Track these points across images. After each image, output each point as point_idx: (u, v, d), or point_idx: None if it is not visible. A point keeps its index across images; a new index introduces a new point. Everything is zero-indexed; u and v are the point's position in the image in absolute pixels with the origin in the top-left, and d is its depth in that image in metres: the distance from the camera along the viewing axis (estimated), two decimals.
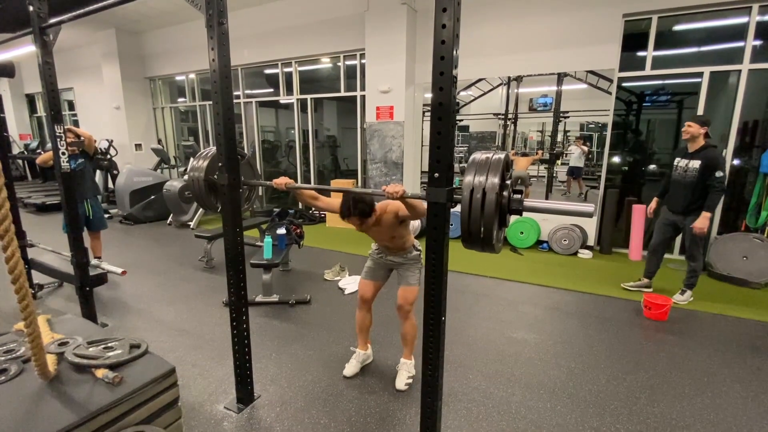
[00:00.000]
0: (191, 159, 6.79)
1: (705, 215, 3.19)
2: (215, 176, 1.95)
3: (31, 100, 11.98)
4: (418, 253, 2.36)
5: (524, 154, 8.90)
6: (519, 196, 1.25)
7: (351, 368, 2.46)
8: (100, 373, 1.57)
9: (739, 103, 4.25)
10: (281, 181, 1.87)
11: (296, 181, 3.62)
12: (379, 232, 2.22)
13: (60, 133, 2.45)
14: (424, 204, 1.73)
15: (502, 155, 1.21)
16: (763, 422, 2.06)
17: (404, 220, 2.16)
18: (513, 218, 5.21)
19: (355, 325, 2.52)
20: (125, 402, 1.52)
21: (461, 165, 9.46)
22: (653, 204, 3.64)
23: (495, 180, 1.16)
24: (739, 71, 4.22)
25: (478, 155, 1.24)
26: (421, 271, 2.30)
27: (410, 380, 2.34)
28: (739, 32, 4.22)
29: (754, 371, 2.51)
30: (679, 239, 4.74)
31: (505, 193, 1.21)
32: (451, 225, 6.38)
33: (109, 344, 1.76)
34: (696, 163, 3.23)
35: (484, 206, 1.16)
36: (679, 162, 3.37)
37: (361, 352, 2.51)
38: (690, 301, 3.52)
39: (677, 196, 3.39)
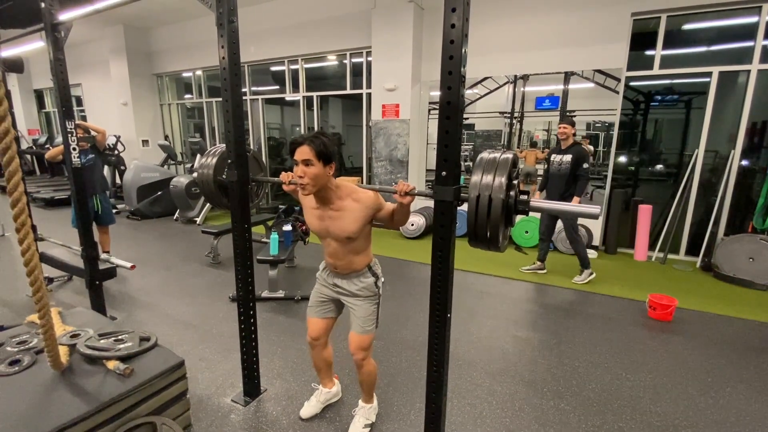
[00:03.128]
0: (198, 156, 6.84)
1: (575, 200, 3.75)
2: (224, 174, 1.97)
3: (39, 95, 12.08)
4: (374, 279, 1.79)
5: (533, 144, 8.97)
6: (525, 196, 1.26)
7: (310, 408, 2.05)
8: (111, 364, 1.60)
9: (747, 103, 4.22)
10: (287, 177, 1.70)
11: None
12: (333, 224, 1.66)
13: (71, 128, 2.49)
14: (408, 214, 1.65)
15: (509, 155, 1.22)
16: (767, 422, 2.06)
17: (376, 220, 1.68)
18: (518, 217, 5.20)
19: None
20: (136, 393, 1.55)
21: (467, 163, 9.44)
22: (536, 196, 4.15)
23: (502, 180, 1.17)
24: (749, 71, 4.19)
25: (486, 154, 1.25)
26: (378, 309, 1.82)
27: (367, 429, 1.93)
28: (748, 32, 4.18)
29: (758, 372, 2.51)
30: (686, 239, 4.74)
31: (512, 193, 1.22)
32: (456, 223, 6.36)
33: (120, 337, 1.80)
34: (568, 157, 3.77)
35: (491, 206, 1.17)
36: (555, 158, 3.90)
37: (324, 390, 2.10)
38: (591, 278, 3.97)
39: (555, 186, 3.90)
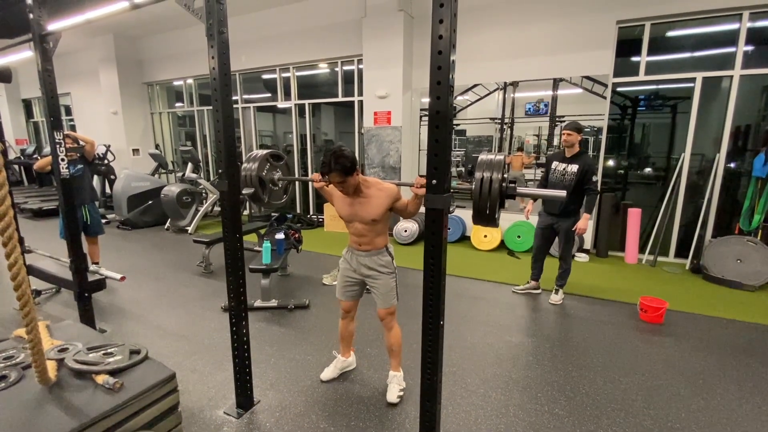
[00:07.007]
0: (189, 164, 6.79)
1: (586, 216, 3.32)
2: (264, 172, 2.38)
3: (27, 105, 11.94)
4: (390, 258, 2.18)
5: (519, 149, 9.15)
6: (513, 185, 1.50)
7: (328, 372, 2.45)
8: (100, 379, 1.57)
9: (731, 108, 4.31)
10: (318, 176, 2.08)
11: None
12: (362, 209, 2.06)
13: (59, 139, 2.46)
14: (420, 205, 1.83)
15: (501, 156, 1.48)
16: (758, 423, 2.08)
17: (393, 209, 2.06)
18: (510, 222, 5.24)
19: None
20: (126, 408, 1.52)
21: (458, 169, 9.50)
22: (529, 206, 3.72)
23: (498, 175, 1.44)
24: (731, 77, 4.28)
25: (484, 156, 1.50)
26: (396, 281, 2.20)
27: (402, 392, 2.26)
28: (730, 38, 4.29)
29: (748, 373, 2.54)
30: (675, 242, 4.80)
31: (504, 184, 1.46)
32: (449, 229, 6.32)
33: (109, 350, 1.77)
34: (574, 167, 3.35)
35: (491, 190, 1.43)
36: (558, 165, 3.47)
37: (342, 358, 2.48)
38: (563, 299, 3.66)
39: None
